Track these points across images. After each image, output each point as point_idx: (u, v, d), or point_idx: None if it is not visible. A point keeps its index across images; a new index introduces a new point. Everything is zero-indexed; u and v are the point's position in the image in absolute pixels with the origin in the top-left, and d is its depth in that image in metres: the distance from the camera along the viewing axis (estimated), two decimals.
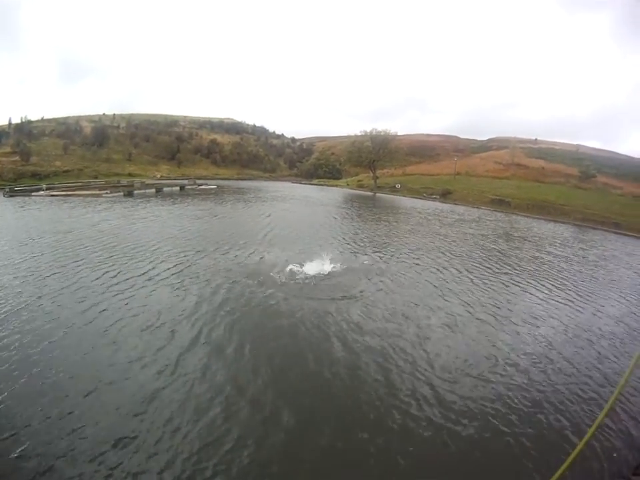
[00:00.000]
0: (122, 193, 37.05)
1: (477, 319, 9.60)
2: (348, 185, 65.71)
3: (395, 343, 7.92)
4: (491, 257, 16.91)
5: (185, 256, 13.78)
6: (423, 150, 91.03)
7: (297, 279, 11.35)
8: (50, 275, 11.04)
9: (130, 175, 59.86)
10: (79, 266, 12.06)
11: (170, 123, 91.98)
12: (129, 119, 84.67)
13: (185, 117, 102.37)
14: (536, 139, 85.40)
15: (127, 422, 5.21)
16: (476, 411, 5.87)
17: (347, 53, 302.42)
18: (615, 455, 5.08)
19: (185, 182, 52.01)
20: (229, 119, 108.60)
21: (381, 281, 11.94)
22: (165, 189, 43.96)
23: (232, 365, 6.79)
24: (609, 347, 8.68)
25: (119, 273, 11.50)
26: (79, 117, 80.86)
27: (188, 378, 6.28)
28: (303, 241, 17.39)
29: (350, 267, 13.07)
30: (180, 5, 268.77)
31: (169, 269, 12.19)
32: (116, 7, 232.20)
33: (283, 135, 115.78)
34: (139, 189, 41.62)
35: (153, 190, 41.85)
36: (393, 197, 49.64)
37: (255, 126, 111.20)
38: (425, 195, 50.02)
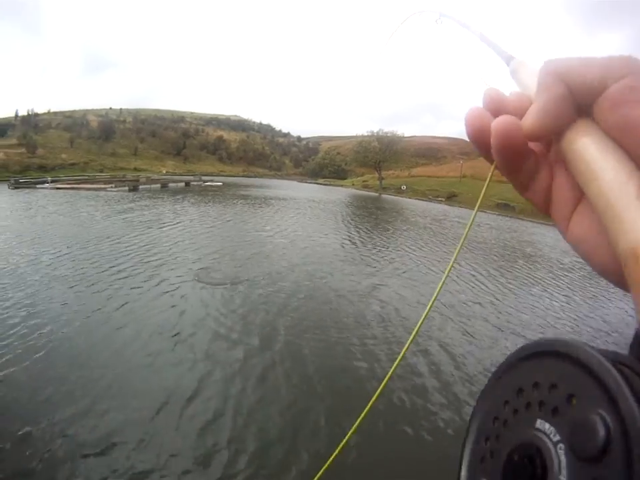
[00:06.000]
0: (127, 188, 36.97)
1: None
2: (353, 185, 65.66)
3: None
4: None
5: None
6: (429, 152, 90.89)
7: None
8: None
9: (136, 169, 60.19)
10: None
11: (176, 119, 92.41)
12: (135, 114, 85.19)
13: (191, 113, 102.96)
14: None
15: None
16: None
17: (363, 55, 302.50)
18: None
19: (191, 178, 52.08)
20: (235, 116, 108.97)
21: None
22: (170, 184, 43.95)
23: None
24: None
25: None
26: (86, 110, 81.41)
27: None
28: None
29: None
30: (194, 4, 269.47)
31: None
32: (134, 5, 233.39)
33: (289, 133, 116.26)
34: (144, 183, 41.64)
35: (159, 185, 41.84)
36: (397, 199, 49.41)
37: (261, 124, 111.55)
38: (430, 197, 49.81)
